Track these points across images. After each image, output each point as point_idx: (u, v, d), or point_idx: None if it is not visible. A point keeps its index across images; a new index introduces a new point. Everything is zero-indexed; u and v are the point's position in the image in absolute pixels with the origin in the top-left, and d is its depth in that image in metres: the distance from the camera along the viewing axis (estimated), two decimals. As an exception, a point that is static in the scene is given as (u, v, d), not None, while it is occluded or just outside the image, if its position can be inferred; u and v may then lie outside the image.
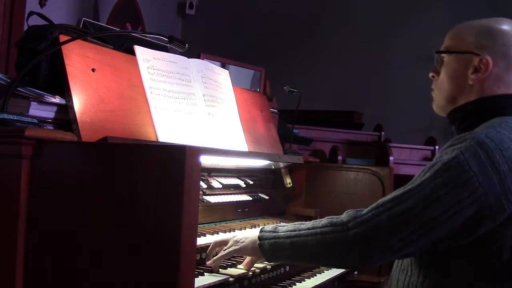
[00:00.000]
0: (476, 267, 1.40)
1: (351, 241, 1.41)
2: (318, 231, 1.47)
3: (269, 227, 1.60)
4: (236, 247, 1.62)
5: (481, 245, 1.38)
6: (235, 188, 2.13)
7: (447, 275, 1.43)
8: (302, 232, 1.50)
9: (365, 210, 1.43)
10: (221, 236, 1.79)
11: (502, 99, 1.52)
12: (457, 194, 1.33)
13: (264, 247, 1.56)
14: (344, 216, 1.46)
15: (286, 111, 3.29)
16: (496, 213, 1.33)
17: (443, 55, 1.60)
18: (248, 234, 1.66)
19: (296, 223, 1.58)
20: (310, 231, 1.49)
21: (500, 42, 1.51)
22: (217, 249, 1.68)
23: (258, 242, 1.57)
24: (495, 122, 1.45)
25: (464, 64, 1.54)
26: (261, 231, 1.60)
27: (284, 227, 1.56)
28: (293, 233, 1.51)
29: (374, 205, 1.43)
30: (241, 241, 1.63)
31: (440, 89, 1.61)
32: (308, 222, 1.53)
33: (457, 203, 1.33)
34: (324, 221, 1.49)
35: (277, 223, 2.26)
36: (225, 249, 1.65)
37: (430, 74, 1.65)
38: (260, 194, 2.28)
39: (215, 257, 1.64)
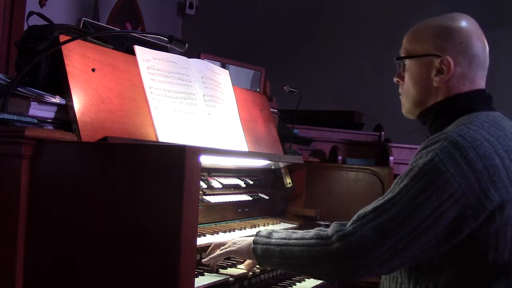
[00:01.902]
0: (464, 269, 1.39)
1: (334, 256, 1.40)
2: (305, 243, 1.47)
3: (264, 231, 1.61)
4: (233, 248, 1.65)
5: (467, 247, 1.37)
6: (235, 188, 2.13)
7: (438, 280, 1.42)
8: (291, 241, 1.51)
9: (348, 223, 1.42)
10: (221, 237, 1.80)
11: (468, 96, 1.52)
12: (437, 198, 1.32)
13: (256, 252, 1.58)
14: (329, 229, 1.45)
15: (286, 111, 3.29)
16: (478, 211, 1.33)
17: (405, 60, 1.60)
18: (248, 238, 1.68)
19: (289, 230, 1.59)
20: (298, 241, 1.49)
21: (458, 41, 1.51)
22: (216, 250, 1.69)
23: (252, 245, 1.59)
24: (465, 119, 1.45)
25: (426, 67, 1.54)
26: (256, 234, 1.61)
27: (278, 234, 1.57)
28: (283, 241, 1.53)
29: (355, 217, 1.41)
30: (238, 242, 1.65)
31: (407, 94, 1.61)
32: (299, 232, 1.54)
33: (438, 206, 1.32)
34: (312, 232, 1.49)
35: (277, 223, 2.28)
36: (222, 249, 1.67)
37: (395, 79, 1.65)
38: (260, 194, 2.28)
39: (212, 255, 1.66)
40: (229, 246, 1.66)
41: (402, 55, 1.60)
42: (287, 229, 2.29)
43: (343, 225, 1.43)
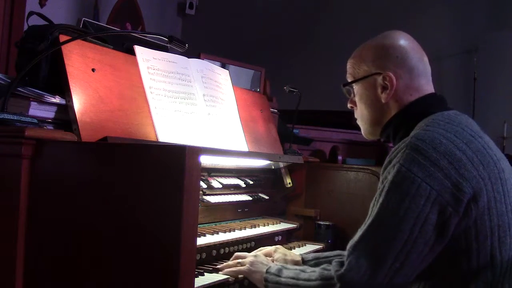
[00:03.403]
0: (448, 268, 1.41)
1: None
2: (312, 285, 1.49)
3: (274, 268, 1.62)
4: (247, 270, 1.67)
5: (449, 246, 1.39)
6: (235, 188, 2.13)
7: (426, 284, 1.44)
8: (299, 282, 1.52)
9: (344, 261, 1.43)
10: (221, 237, 1.81)
11: (420, 101, 1.58)
12: (416, 206, 1.34)
13: None
14: (331, 269, 1.46)
15: (286, 111, 3.29)
16: (456, 206, 1.35)
17: (352, 84, 1.67)
18: (264, 262, 1.70)
19: (297, 269, 1.59)
20: (306, 282, 1.51)
21: (394, 56, 1.59)
22: (235, 261, 1.74)
23: (263, 283, 1.61)
24: (422, 123, 1.50)
25: (372, 87, 1.62)
26: (267, 271, 1.62)
27: (287, 272, 1.58)
28: (292, 281, 1.54)
29: (346, 252, 1.43)
30: (255, 266, 1.66)
31: (362, 117, 1.69)
32: (306, 272, 1.54)
33: (419, 214, 1.34)
34: (318, 272, 1.50)
35: (277, 223, 2.28)
36: (240, 264, 1.70)
37: (349, 106, 1.74)
38: (260, 194, 2.28)
39: (228, 266, 1.71)
40: (247, 265, 1.68)
41: (348, 81, 1.69)
42: (287, 229, 2.30)
43: (340, 263, 1.44)
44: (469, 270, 1.39)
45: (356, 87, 1.67)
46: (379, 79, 1.59)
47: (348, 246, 1.44)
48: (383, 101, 1.60)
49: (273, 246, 1.93)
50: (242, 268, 1.69)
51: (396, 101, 1.59)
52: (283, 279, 1.57)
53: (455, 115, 1.53)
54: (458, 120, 1.49)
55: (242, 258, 1.74)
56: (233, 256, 1.78)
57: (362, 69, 1.64)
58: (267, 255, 1.87)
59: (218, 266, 1.71)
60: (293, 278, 1.55)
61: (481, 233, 1.38)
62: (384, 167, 1.47)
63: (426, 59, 1.63)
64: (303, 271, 1.56)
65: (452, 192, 1.35)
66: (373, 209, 1.43)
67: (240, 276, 1.68)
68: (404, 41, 1.62)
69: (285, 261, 1.82)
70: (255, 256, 1.73)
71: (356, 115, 1.72)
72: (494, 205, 1.40)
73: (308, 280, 1.51)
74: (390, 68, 1.58)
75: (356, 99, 1.68)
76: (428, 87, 1.61)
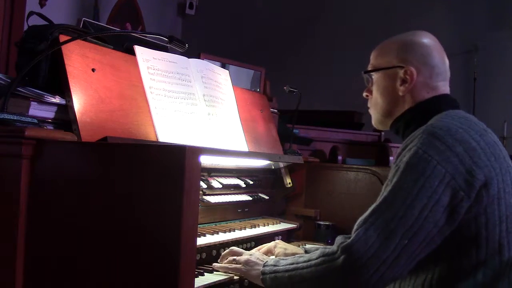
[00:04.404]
0: (457, 254, 1.43)
1: (343, 269, 1.40)
2: (312, 263, 1.48)
3: (272, 261, 1.61)
4: (243, 269, 1.65)
5: (458, 231, 1.41)
6: (235, 188, 2.13)
7: (434, 272, 1.45)
8: (299, 265, 1.52)
9: (351, 235, 1.43)
10: (221, 237, 1.81)
11: (435, 99, 1.64)
12: (429, 186, 1.38)
13: (266, 282, 1.58)
14: (334, 245, 1.46)
15: (286, 111, 3.29)
16: (468, 191, 1.40)
17: (372, 73, 1.72)
18: (262, 256, 1.70)
19: (296, 255, 1.59)
20: (305, 263, 1.50)
21: (419, 53, 1.64)
22: (230, 257, 1.72)
23: (261, 276, 1.59)
24: (437, 116, 1.56)
25: (391, 78, 1.67)
26: (264, 265, 1.61)
27: (285, 261, 1.58)
28: (291, 266, 1.53)
29: (355, 226, 1.43)
30: (251, 264, 1.65)
31: (375, 106, 1.74)
32: (305, 255, 1.54)
33: (432, 194, 1.38)
34: (318, 252, 1.50)
35: (277, 223, 2.28)
36: (236, 261, 1.68)
37: (364, 94, 1.78)
38: (260, 194, 2.28)
39: (223, 265, 1.69)
40: (242, 263, 1.66)
41: (370, 69, 1.73)
42: (287, 229, 2.30)
43: (346, 237, 1.44)
44: (478, 258, 1.42)
45: (376, 76, 1.71)
46: (401, 72, 1.64)
47: (358, 220, 1.44)
48: (400, 93, 1.65)
49: (273, 242, 1.92)
50: (237, 265, 1.67)
51: (412, 96, 1.64)
52: (281, 267, 1.56)
53: (467, 114, 1.59)
54: (470, 117, 1.57)
55: (237, 254, 1.72)
56: (228, 250, 1.75)
57: (385, 60, 1.68)
58: (268, 252, 1.87)
59: (213, 264, 1.68)
60: (291, 263, 1.54)
61: (490, 221, 1.42)
62: (398, 153, 1.51)
63: (447, 62, 1.68)
64: (301, 256, 1.55)
65: (465, 178, 1.39)
66: (386, 188, 1.46)
67: (236, 274, 1.66)
68: (430, 40, 1.67)
69: (286, 255, 1.80)
70: (251, 254, 1.71)
71: (369, 104, 1.77)
72: (503, 195, 1.45)
73: (308, 260, 1.50)
74: (412, 63, 1.63)
75: (374, 88, 1.72)
76: (444, 88, 1.66)
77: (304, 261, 1.50)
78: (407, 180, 1.41)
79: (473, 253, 1.42)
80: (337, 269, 1.41)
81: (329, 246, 1.49)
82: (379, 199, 1.44)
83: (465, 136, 1.45)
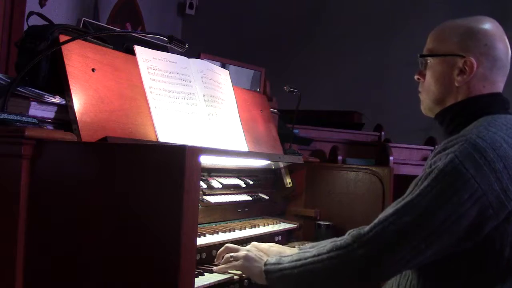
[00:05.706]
0: (476, 268, 1.40)
1: (359, 262, 1.40)
2: (325, 257, 1.46)
3: (272, 259, 1.58)
4: (244, 265, 1.62)
5: (482, 245, 1.37)
6: (235, 188, 2.13)
7: (446, 279, 1.43)
8: (308, 260, 1.49)
9: (368, 228, 1.42)
10: (221, 237, 1.80)
11: (488, 98, 1.54)
12: (458, 199, 1.33)
13: (272, 283, 1.56)
14: (347, 238, 1.45)
15: (286, 111, 3.29)
16: (498, 210, 1.34)
17: (428, 58, 1.61)
18: (260, 252, 1.66)
19: (299, 251, 1.56)
20: (316, 258, 1.47)
21: (482, 43, 1.52)
22: (226, 254, 1.69)
23: (264, 276, 1.56)
24: (484, 121, 1.46)
25: (449, 66, 1.56)
26: (265, 264, 1.58)
27: (288, 257, 1.55)
28: (299, 262, 1.50)
29: (376, 221, 1.42)
30: (250, 260, 1.62)
31: (427, 92, 1.62)
32: (312, 249, 1.51)
33: (459, 207, 1.33)
34: (328, 245, 1.48)
35: (277, 223, 2.27)
36: (234, 259, 1.66)
37: (416, 77, 1.66)
38: (260, 194, 2.28)
39: (222, 266, 1.66)
40: (241, 261, 1.63)
41: (426, 53, 1.61)
42: (287, 229, 2.30)
43: (362, 230, 1.43)
44: (498, 273, 1.38)
45: (431, 61, 1.60)
46: (460, 62, 1.53)
47: (379, 217, 1.42)
48: (456, 84, 1.55)
49: (266, 244, 1.82)
50: (236, 263, 1.64)
51: (468, 88, 1.54)
52: (286, 265, 1.52)
53: None
54: None
55: (233, 251, 1.69)
56: (223, 248, 1.73)
57: (445, 45, 1.57)
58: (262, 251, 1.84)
59: (213, 269, 1.66)
60: (298, 260, 1.51)
61: None
62: (436, 152, 1.45)
63: (510, 54, 1.57)
64: (306, 252, 1.51)
65: (499, 196, 1.34)
66: (413, 189, 1.41)
67: (236, 274, 1.64)
68: (495, 29, 1.55)
69: (280, 253, 1.78)
70: (248, 250, 1.67)
71: (420, 88, 1.66)
72: None
73: (318, 255, 1.47)
74: (474, 53, 1.52)
75: (428, 73, 1.61)
76: (501, 85, 1.57)
77: (313, 256, 1.48)
78: (435, 188, 1.36)
79: (493, 269, 1.38)
80: (354, 261, 1.41)
81: (339, 239, 1.47)
82: (405, 198, 1.41)
83: (508, 152, 1.37)
